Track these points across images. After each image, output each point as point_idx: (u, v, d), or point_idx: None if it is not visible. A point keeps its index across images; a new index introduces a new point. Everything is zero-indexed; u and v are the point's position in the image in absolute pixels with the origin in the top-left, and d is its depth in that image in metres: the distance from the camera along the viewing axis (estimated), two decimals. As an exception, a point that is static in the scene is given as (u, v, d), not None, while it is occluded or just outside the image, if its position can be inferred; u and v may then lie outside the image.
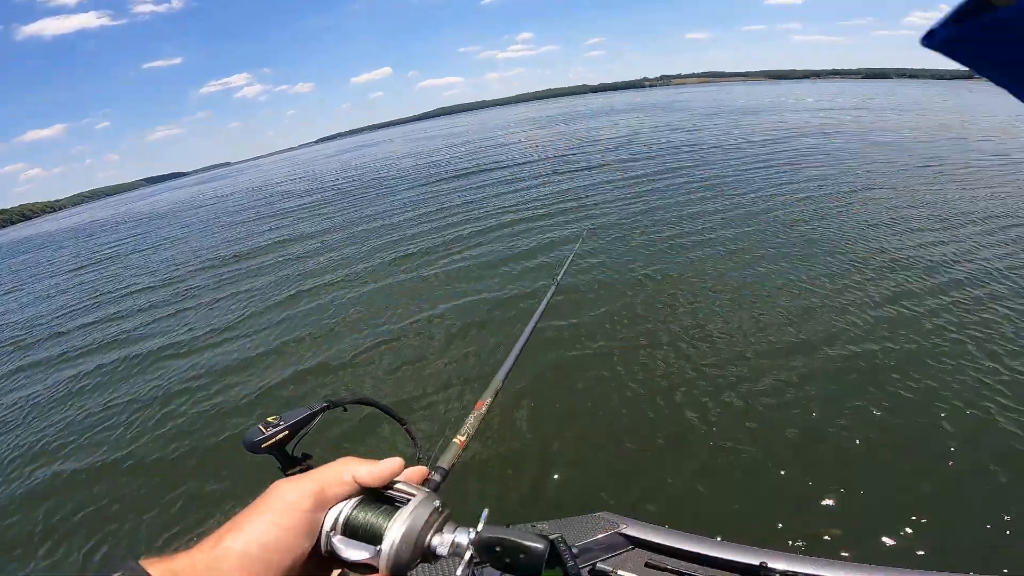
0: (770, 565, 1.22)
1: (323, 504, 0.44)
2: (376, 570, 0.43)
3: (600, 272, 5.81)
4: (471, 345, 4.57)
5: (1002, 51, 0.23)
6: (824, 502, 2.50)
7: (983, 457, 2.66)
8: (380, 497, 0.47)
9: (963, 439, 2.78)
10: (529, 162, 16.27)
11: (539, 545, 0.45)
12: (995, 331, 3.77)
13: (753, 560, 1.25)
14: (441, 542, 0.45)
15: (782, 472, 2.72)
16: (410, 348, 4.73)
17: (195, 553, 0.39)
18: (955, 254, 5.30)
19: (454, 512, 0.49)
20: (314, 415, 1.01)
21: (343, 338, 5.17)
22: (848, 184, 8.79)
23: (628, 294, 5.14)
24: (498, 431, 3.28)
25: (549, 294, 1.52)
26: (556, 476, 2.93)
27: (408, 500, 0.46)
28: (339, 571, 0.46)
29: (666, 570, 1.29)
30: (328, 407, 1.03)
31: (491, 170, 15.68)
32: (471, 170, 16.44)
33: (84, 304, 9.19)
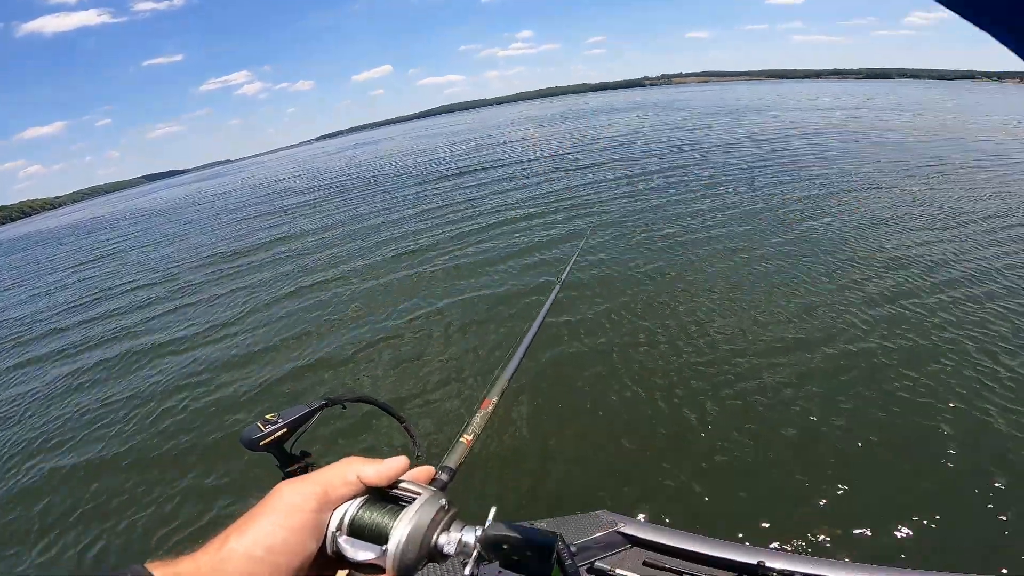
0: (768, 564, 1.22)
1: (328, 504, 0.44)
2: (383, 570, 0.42)
3: (601, 270, 5.81)
4: (472, 342, 4.57)
5: None
6: (822, 501, 2.50)
7: (982, 457, 2.66)
8: (386, 497, 0.47)
9: (962, 439, 2.79)
10: (530, 160, 16.26)
11: (547, 542, 0.45)
12: (994, 331, 3.78)
13: (751, 559, 1.25)
14: (448, 541, 0.45)
15: (780, 471, 2.73)
16: (410, 345, 4.73)
17: (200, 556, 0.39)
18: (954, 253, 5.30)
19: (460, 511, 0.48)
20: (313, 413, 1.00)
21: (343, 335, 5.18)
22: (848, 184, 8.79)
23: (628, 292, 5.14)
24: (497, 429, 3.29)
25: (554, 292, 1.51)
26: (555, 474, 2.93)
27: (414, 499, 0.46)
28: (345, 572, 0.45)
29: (664, 569, 1.29)
30: (327, 405, 1.03)
31: (492, 168, 15.67)
32: (472, 168, 16.44)
33: (84, 301, 9.19)
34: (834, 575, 1.20)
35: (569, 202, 9.46)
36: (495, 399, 0.93)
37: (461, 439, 0.79)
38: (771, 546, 2.23)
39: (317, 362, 4.71)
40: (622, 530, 1.39)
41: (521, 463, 3.03)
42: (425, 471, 0.53)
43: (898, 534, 2.29)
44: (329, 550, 0.43)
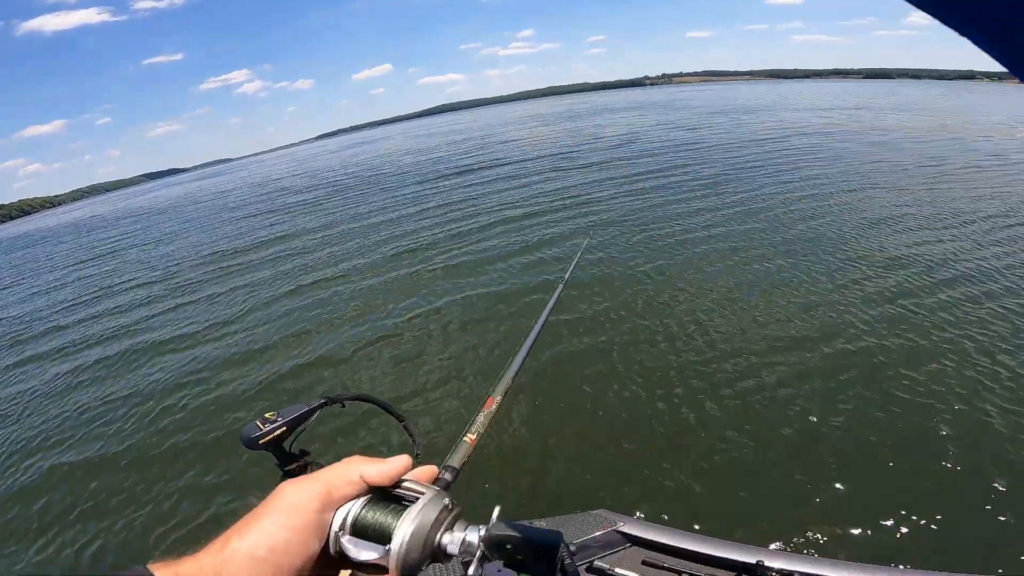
0: (767, 563, 1.22)
1: (331, 504, 0.43)
2: (386, 570, 0.42)
3: (601, 268, 5.81)
4: (472, 341, 4.57)
5: None
6: (822, 501, 2.51)
7: (982, 457, 2.67)
8: (389, 496, 0.47)
9: (962, 439, 2.79)
10: (531, 159, 16.26)
11: (551, 542, 0.44)
12: (994, 331, 3.78)
13: (750, 558, 1.25)
14: (451, 540, 0.45)
15: (780, 471, 2.73)
16: (410, 344, 4.73)
17: (202, 557, 0.38)
18: (954, 253, 5.30)
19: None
20: (312, 411, 1.00)
21: (343, 333, 5.18)
22: (848, 183, 8.80)
23: (628, 291, 5.14)
24: (497, 427, 3.29)
25: (558, 291, 1.50)
26: (554, 473, 2.93)
27: (417, 499, 0.46)
28: (348, 572, 0.45)
29: (663, 568, 1.29)
30: (326, 403, 1.03)
31: (493, 167, 15.66)
32: (473, 167, 16.43)
33: (84, 299, 9.18)
34: (833, 574, 1.20)
35: (570, 201, 9.46)
36: (499, 398, 0.93)
37: (465, 438, 0.78)
38: (770, 545, 2.23)
39: (316, 360, 4.71)
40: (621, 529, 1.39)
41: (520, 462, 3.03)
42: (428, 470, 0.53)
43: (897, 534, 2.29)
44: (332, 550, 0.43)
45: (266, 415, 0.97)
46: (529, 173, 13.35)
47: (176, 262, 10.67)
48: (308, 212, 13.79)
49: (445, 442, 3.29)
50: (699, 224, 7.11)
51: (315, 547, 0.41)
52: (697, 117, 25.26)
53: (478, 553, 0.45)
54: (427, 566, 0.44)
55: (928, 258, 5.23)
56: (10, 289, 12.47)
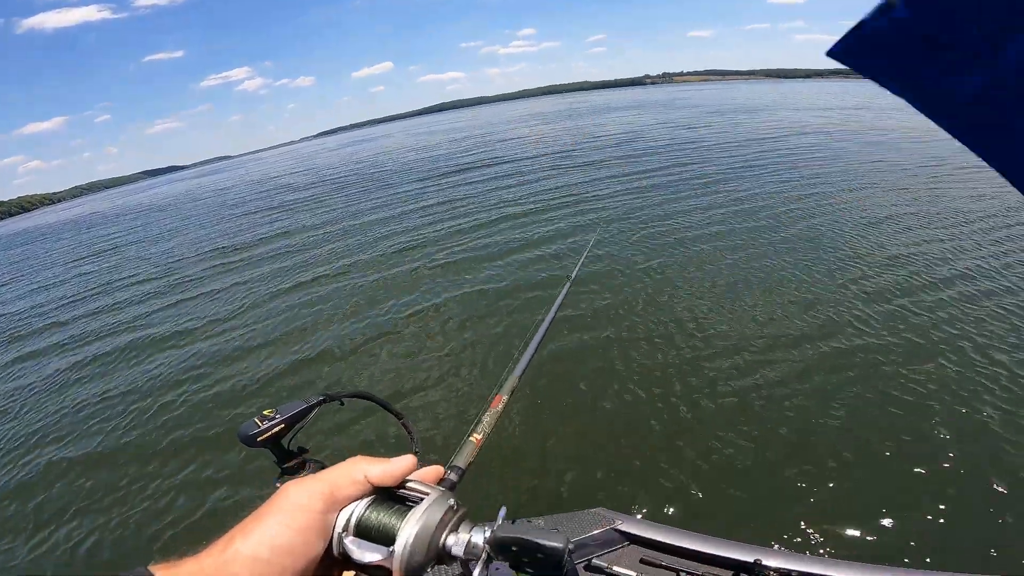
0: (765, 562, 1.22)
1: (334, 505, 0.43)
2: (390, 572, 0.42)
3: (601, 266, 5.80)
4: (473, 338, 4.57)
5: (900, 57, 0.22)
6: (820, 500, 2.51)
7: (981, 457, 2.66)
8: (393, 497, 0.46)
9: (961, 438, 2.79)
10: (532, 157, 16.25)
11: (558, 544, 0.44)
12: (993, 330, 3.77)
13: (748, 557, 1.25)
14: (456, 542, 0.44)
15: (778, 470, 2.73)
16: (411, 341, 4.73)
17: (203, 558, 0.38)
18: (953, 252, 5.29)
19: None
20: (311, 408, 1.00)
21: (343, 330, 5.17)
22: (848, 183, 8.79)
23: (627, 289, 5.14)
24: (497, 425, 3.28)
25: (565, 289, 1.49)
26: (553, 471, 2.93)
27: (422, 499, 0.45)
28: (352, 573, 0.45)
29: (661, 566, 1.29)
30: (325, 400, 1.02)
31: (494, 165, 15.64)
32: (474, 164, 16.42)
33: (83, 296, 9.18)
34: (831, 574, 1.20)
35: (571, 199, 9.45)
36: (505, 397, 0.92)
37: (470, 438, 0.78)
38: (769, 544, 2.23)
39: (316, 357, 4.71)
40: (619, 527, 1.39)
41: (519, 460, 3.03)
42: (434, 471, 0.52)
43: (896, 533, 2.30)
44: (335, 551, 0.42)
45: (264, 412, 0.97)
46: (530, 171, 13.33)
47: (176, 259, 10.66)
48: (308, 209, 13.78)
49: (443, 440, 3.29)
50: (699, 222, 7.10)
51: (319, 548, 0.41)
52: (698, 116, 25.23)
53: (483, 555, 0.44)
54: (431, 568, 0.43)
55: (928, 257, 5.22)
56: (9, 286, 12.46)
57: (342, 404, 1.07)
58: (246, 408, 4.05)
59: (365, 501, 0.44)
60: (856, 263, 5.23)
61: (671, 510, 2.57)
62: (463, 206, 10.19)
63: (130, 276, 9.91)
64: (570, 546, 0.45)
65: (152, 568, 0.36)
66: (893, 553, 2.21)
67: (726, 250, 5.98)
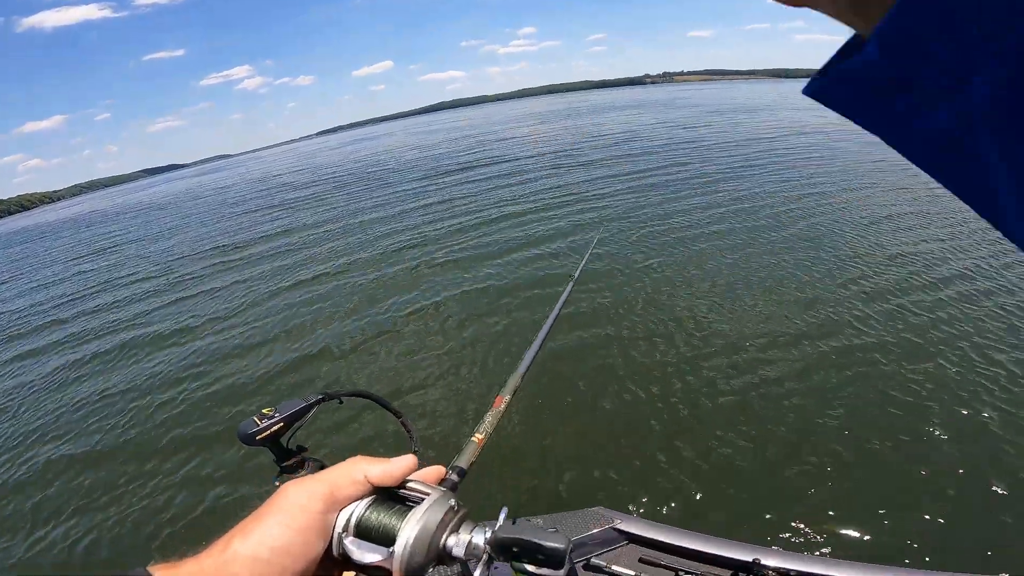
0: (763, 561, 1.22)
1: (335, 505, 0.43)
2: (390, 573, 0.41)
3: (601, 265, 5.79)
4: (473, 337, 4.57)
5: (871, 97, 0.23)
6: (819, 499, 2.51)
7: (981, 456, 2.66)
8: (394, 497, 0.46)
9: (961, 439, 2.79)
10: (532, 156, 16.25)
11: (559, 545, 0.44)
12: (992, 330, 3.77)
13: (747, 556, 1.25)
14: (457, 542, 0.44)
15: (777, 469, 2.73)
16: (410, 339, 4.73)
17: (203, 558, 0.38)
18: (953, 251, 5.29)
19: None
20: (309, 407, 1.00)
21: (343, 329, 5.17)
22: (848, 182, 8.79)
23: (627, 288, 5.14)
24: (497, 424, 3.28)
25: (569, 287, 1.49)
26: (552, 470, 2.93)
27: (422, 500, 0.45)
28: (352, 573, 0.44)
29: (660, 566, 1.29)
30: (324, 399, 1.02)
31: (495, 163, 15.64)
32: (475, 163, 16.41)
33: (82, 294, 9.17)
34: (830, 573, 1.20)
35: (571, 198, 9.45)
36: (508, 397, 0.92)
37: (472, 438, 0.77)
38: (767, 544, 2.23)
39: (316, 356, 4.71)
40: (618, 526, 1.39)
41: (519, 459, 3.03)
42: (435, 471, 0.52)
43: (895, 533, 2.30)
44: (335, 551, 0.42)
45: (263, 411, 0.97)
46: (530, 170, 13.33)
47: (176, 257, 10.66)
48: (308, 207, 13.78)
49: (442, 439, 3.30)
50: (699, 221, 7.10)
51: (318, 549, 0.41)
52: (698, 116, 25.20)
53: (484, 556, 0.44)
54: (432, 568, 0.43)
55: (927, 257, 5.22)
56: (9, 284, 12.46)
57: (341, 403, 1.07)
58: (245, 406, 4.05)
59: (365, 501, 0.44)
60: (856, 263, 5.23)
61: (670, 509, 2.57)
62: (463, 205, 10.19)
63: (130, 274, 9.91)
64: (571, 546, 0.45)
65: (151, 568, 0.36)
66: (892, 553, 2.21)
67: (726, 249, 5.98)
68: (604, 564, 1.24)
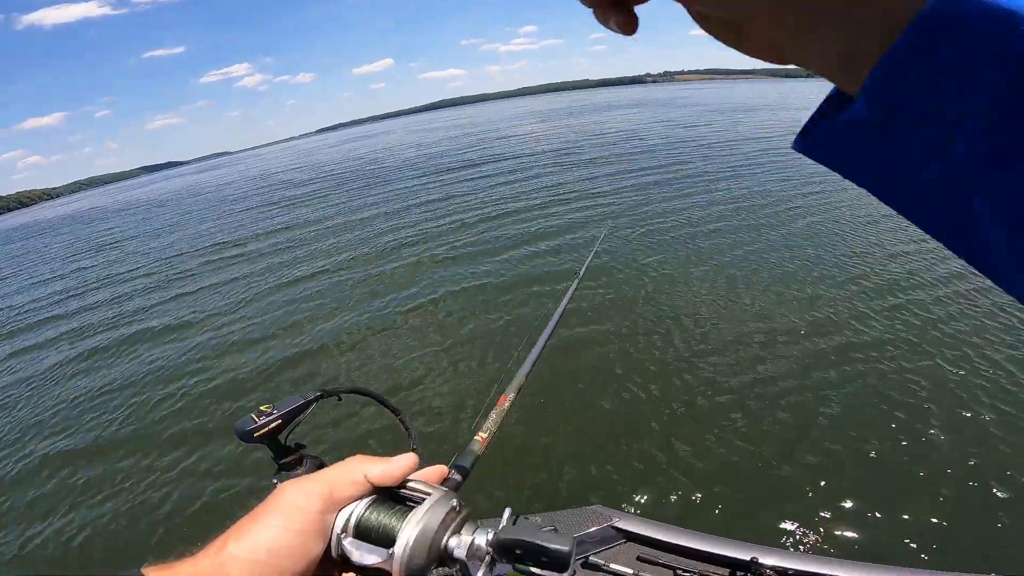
0: (761, 560, 1.22)
1: (333, 505, 0.42)
2: (390, 574, 0.40)
3: (601, 262, 5.77)
4: (474, 334, 4.57)
5: (860, 152, 0.23)
6: (817, 498, 2.51)
7: (980, 456, 2.66)
8: (394, 497, 0.45)
9: (960, 438, 2.79)
10: (533, 155, 16.24)
11: (564, 547, 0.43)
12: (992, 330, 3.77)
13: (744, 555, 1.25)
14: (458, 544, 0.43)
15: (776, 468, 2.73)
16: (410, 336, 4.73)
17: (198, 560, 0.37)
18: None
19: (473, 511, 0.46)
20: (308, 404, 0.99)
21: (342, 325, 5.17)
22: (849, 181, 8.77)
23: (627, 286, 5.14)
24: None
25: (574, 285, 1.48)
26: (551, 469, 2.93)
27: (423, 500, 0.44)
28: (351, 575, 0.43)
29: (658, 564, 1.29)
30: (322, 396, 1.02)
31: (495, 162, 15.62)
32: (475, 162, 16.38)
33: (82, 290, 9.16)
34: (827, 572, 1.20)
35: (572, 195, 9.46)
36: (511, 396, 0.89)
37: (476, 437, 0.76)
38: (765, 542, 2.24)
39: (315, 352, 4.71)
40: (616, 525, 1.39)
41: (518, 457, 3.03)
42: (437, 470, 0.51)
43: (893, 532, 2.30)
44: (334, 553, 0.41)
45: (261, 408, 0.97)
46: (530, 168, 13.32)
47: (175, 253, 10.65)
48: (308, 205, 13.77)
49: (442, 436, 3.30)
50: (699, 220, 7.10)
51: (317, 550, 0.40)
52: (698, 115, 25.19)
53: (487, 557, 0.43)
54: (433, 570, 0.42)
55: (927, 256, 5.22)
56: (8, 280, 12.44)
57: (339, 400, 1.07)
58: (245, 402, 4.05)
59: (365, 502, 0.43)
60: (855, 262, 5.23)
61: (668, 507, 2.57)
62: (464, 202, 10.19)
63: (129, 270, 9.90)
64: (575, 548, 0.44)
65: (145, 570, 0.35)
66: (889, 552, 2.21)
67: (726, 248, 5.98)
68: (602, 562, 1.24)
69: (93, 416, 4.35)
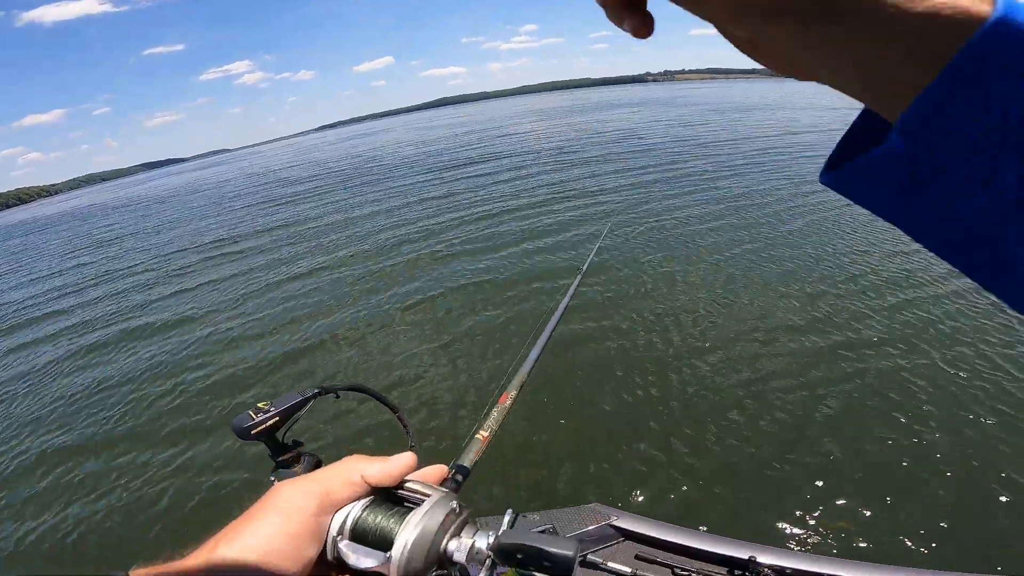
0: (759, 559, 1.22)
1: (329, 507, 0.40)
2: None
3: (601, 260, 5.76)
4: (473, 331, 4.56)
5: (895, 188, 0.22)
6: (816, 498, 2.51)
7: (980, 456, 2.66)
8: (392, 498, 0.44)
9: (959, 438, 2.78)
10: (533, 152, 16.22)
11: (568, 552, 0.42)
12: (992, 330, 3.77)
13: (742, 554, 1.25)
14: (458, 547, 0.42)
15: (774, 467, 2.73)
16: (410, 333, 4.72)
17: (189, 561, 0.36)
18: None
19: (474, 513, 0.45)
20: (305, 401, 0.99)
21: (342, 322, 5.16)
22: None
23: (626, 285, 5.13)
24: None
25: (576, 281, 1.47)
26: (549, 467, 2.93)
27: (422, 501, 0.43)
28: None
29: (656, 563, 1.29)
30: (320, 393, 1.02)
31: (496, 159, 15.61)
32: (476, 160, 16.37)
33: (81, 286, 9.15)
34: (826, 572, 1.20)
35: (573, 193, 9.45)
36: (513, 393, 0.88)
37: (477, 436, 0.74)
38: (763, 541, 2.24)
39: (314, 348, 4.71)
40: (615, 523, 1.39)
41: (516, 455, 3.03)
42: (437, 470, 0.50)
43: (892, 531, 2.30)
44: (330, 555, 0.40)
45: (259, 405, 0.96)
46: (531, 166, 13.30)
47: (175, 249, 10.64)
48: (308, 201, 13.75)
49: (441, 434, 3.29)
50: (700, 218, 7.09)
51: (311, 553, 0.39)
52: (699, 114, 25.16)
53: (487, 561, 0.42)
54: (432, 573, 0.41)
55: (927, 254, 5.21)
56: (7, 276, 12.43)
57: (337, 397, 1.07)
58: (243, 398, 4.04)
59: (362, 503, 0.42)
60: (855, 261, 5.23)
61: (667, 506, 2.57)
62: (464, 199, 10.18)
63: (129, 266, 9.89)
64: (579, 552, 0.43)
65: (133, 573, 0.34)
66: (888, 551, 2.21)
67: (725, 246, 5.97)
68: (600, 561, 1.24)
69: (90, 412, 4.34)
